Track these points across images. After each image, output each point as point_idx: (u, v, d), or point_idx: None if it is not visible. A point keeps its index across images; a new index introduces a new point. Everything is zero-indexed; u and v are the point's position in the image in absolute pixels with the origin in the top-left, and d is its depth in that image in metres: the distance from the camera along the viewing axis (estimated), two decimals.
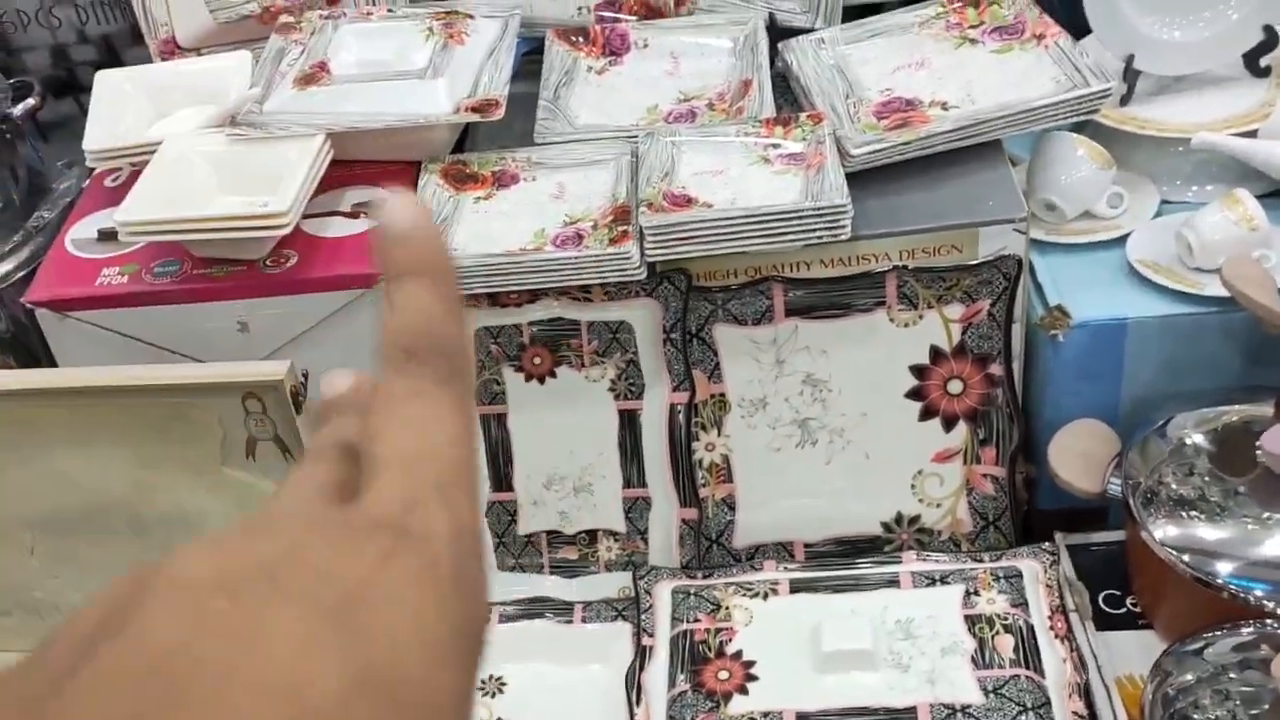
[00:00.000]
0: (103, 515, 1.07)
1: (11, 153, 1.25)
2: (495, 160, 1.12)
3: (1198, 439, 1.05)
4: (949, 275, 1.05)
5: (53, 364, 1.08)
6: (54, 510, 1.08)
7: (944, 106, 1.11)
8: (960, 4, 1.20)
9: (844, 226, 0.99)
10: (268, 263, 1.05)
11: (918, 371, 1.08)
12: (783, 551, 1.13)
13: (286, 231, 1.00)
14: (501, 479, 1.12)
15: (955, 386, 1.08)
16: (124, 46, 1.35)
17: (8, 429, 1.03)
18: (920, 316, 1.06)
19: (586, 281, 1.02)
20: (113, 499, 1.06)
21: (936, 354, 1.07)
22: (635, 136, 1.11)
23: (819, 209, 0.99)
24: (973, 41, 1.18)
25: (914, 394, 1.09)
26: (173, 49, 1.27)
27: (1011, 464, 1.09)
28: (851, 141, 1.07)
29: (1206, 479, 1.02)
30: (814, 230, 1.00)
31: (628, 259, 0.99)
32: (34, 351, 1.12)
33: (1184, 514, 1.00)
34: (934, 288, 1.05)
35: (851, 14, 1.25)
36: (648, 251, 1.01)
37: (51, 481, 1.06)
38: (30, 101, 1.26)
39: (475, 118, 1.09)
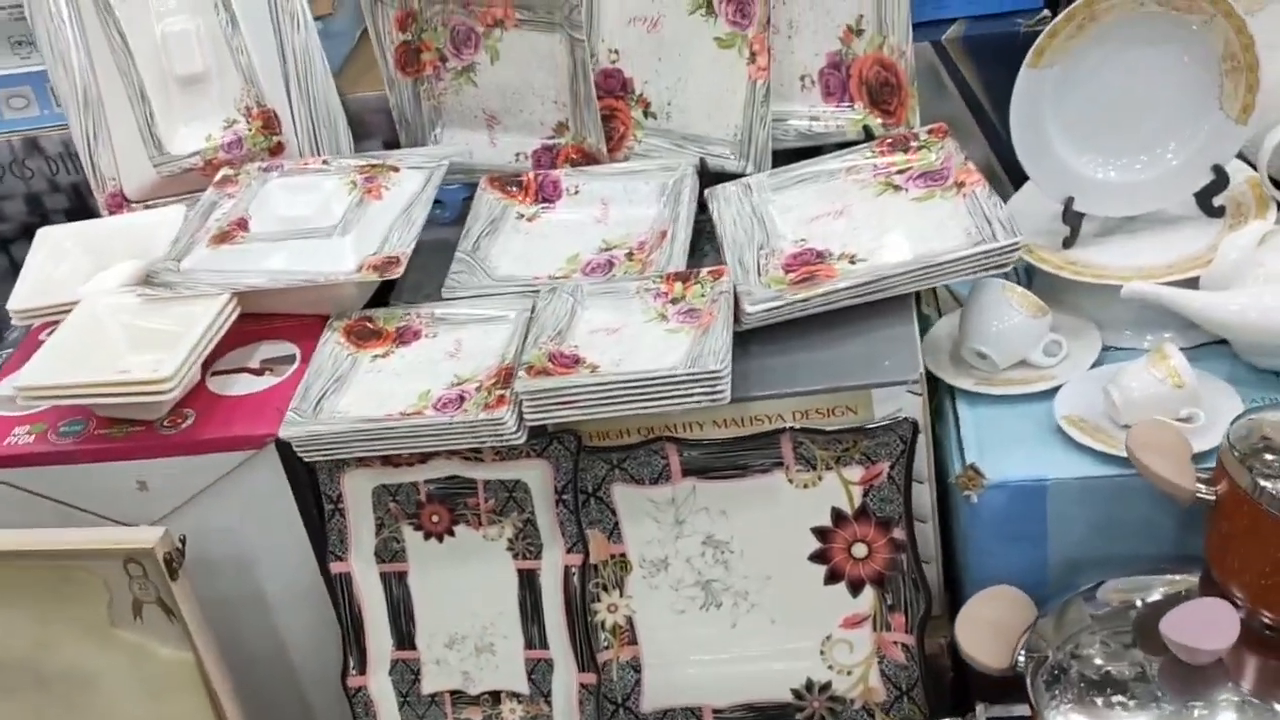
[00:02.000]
0: (6, 673, 1.08)
1: None
2: (400, 316, 1.12)
3: (1119, 609, 0.99)
4: (845, 437, 1.01)
5: None
6: None
7: (852, 259, 1.08)
8: (890, 148, 1.17)
9: (721, 392, 0.96)
10: (165, 423, 1.06)
11: (820, 534, 1.04)
12: (692, 717, 1.09)
13: (171, 399, 1.02)
14: (404, 637, 1.10)
15: (859, 550, 1.04)
16: (91, 195, 1.39)
17: None
18: (819, 478, 1.02)
19: (464, 446, 1.01)
20: (15, 656, 1.07)
21: (838, 516, 1.03)
22: (538, 290, 1.10)
23: (693, 375, 0.96)
24: (896, 188, 1.15)
25: (818, 557, 1.04)
26: (120, 202, 1.30)
27: (921, 631, 1.04)
28: (750, 298, 1.04)
29: (1120, 655, 0.95)
30: (691, 395, 0.97)
31: (502, 424, 0.98)
32: None
33: (1089, 696, 0.93)
34: (831, 449, 1.01)
35: (788, 157, 1.23)
36: (526, 416, 0.99)
37: None
38: None
39: (374, 277, 1.09)
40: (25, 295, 1.15)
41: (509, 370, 1.02)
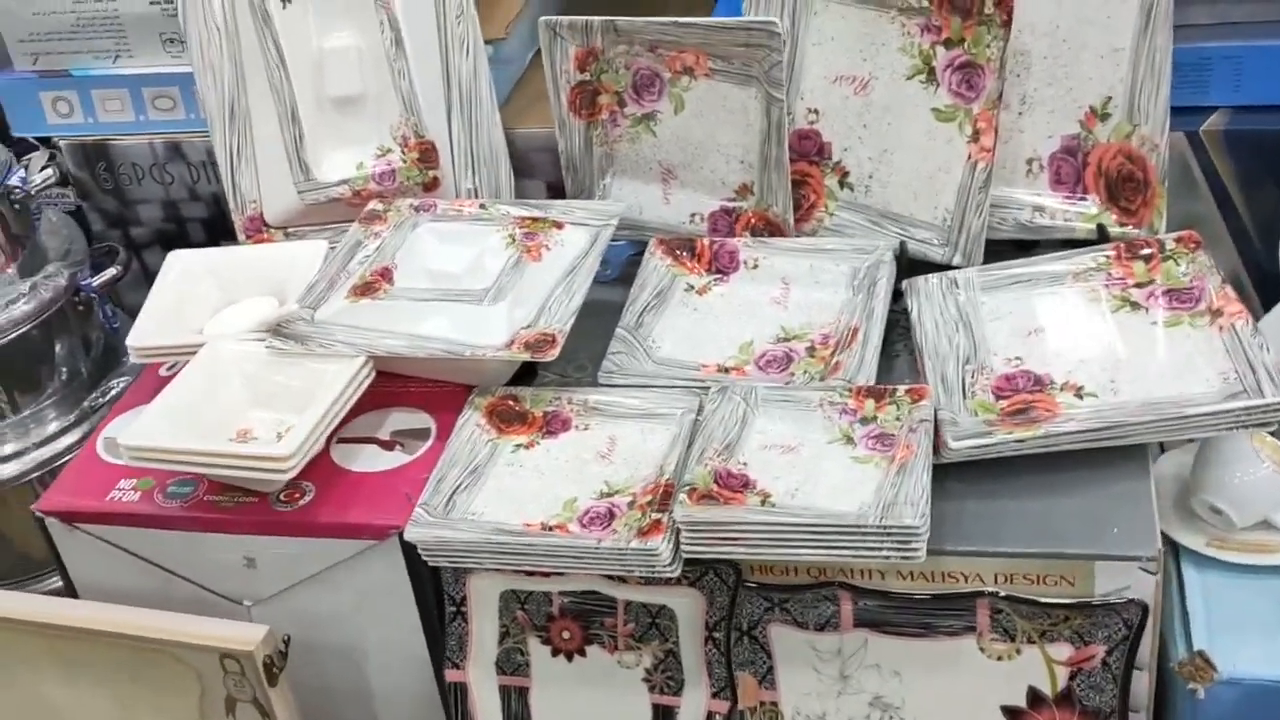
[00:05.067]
0: None
1: (85, 323, 1.21)
2: (550, 399, 0.99)
3: None
4: (1055, 611, 0.85)
5: (64, 567, 1.01)
6: None
7: (1079, 393, 0.92)
8: (1128, 256, 1.01)
9: (917, 551, 0.82)
10: (281, 497, 0.95)
11: (1011, 714, 0.89)
12: None
13: (287, 478, 0.91)
14: None
15: None
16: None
17: None
18: (1018, 651, 0.87)
19: (608, 573, 0.88)
20: None
21: (1036, 698, 0.88)
22: (708, 388, 0.96)
23: (886, 529, 0.82)
24: (1134, 305, 0.98)
25: None
26: (259, 226, 1.20)
27: None
28: (955, 430, 0.89)
29: None
30: (880, 550, 0.83)
31: (656, 556, 0.85)
32: None
33: None
34: (1036, 621, 0.86)
35: (1003, 251, 1.07)
36: (684, 548, 0.86)
37: (39, 709, 0.99)
38: (111, 272, 1.22)
39: (525, 357, 0.97)
40: (147, 331, 1.06)
41: (668, 488, 0.89)
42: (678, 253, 1.11)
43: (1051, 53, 1.05)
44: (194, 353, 1.02)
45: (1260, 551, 0.94)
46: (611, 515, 0.89)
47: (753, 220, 1.13)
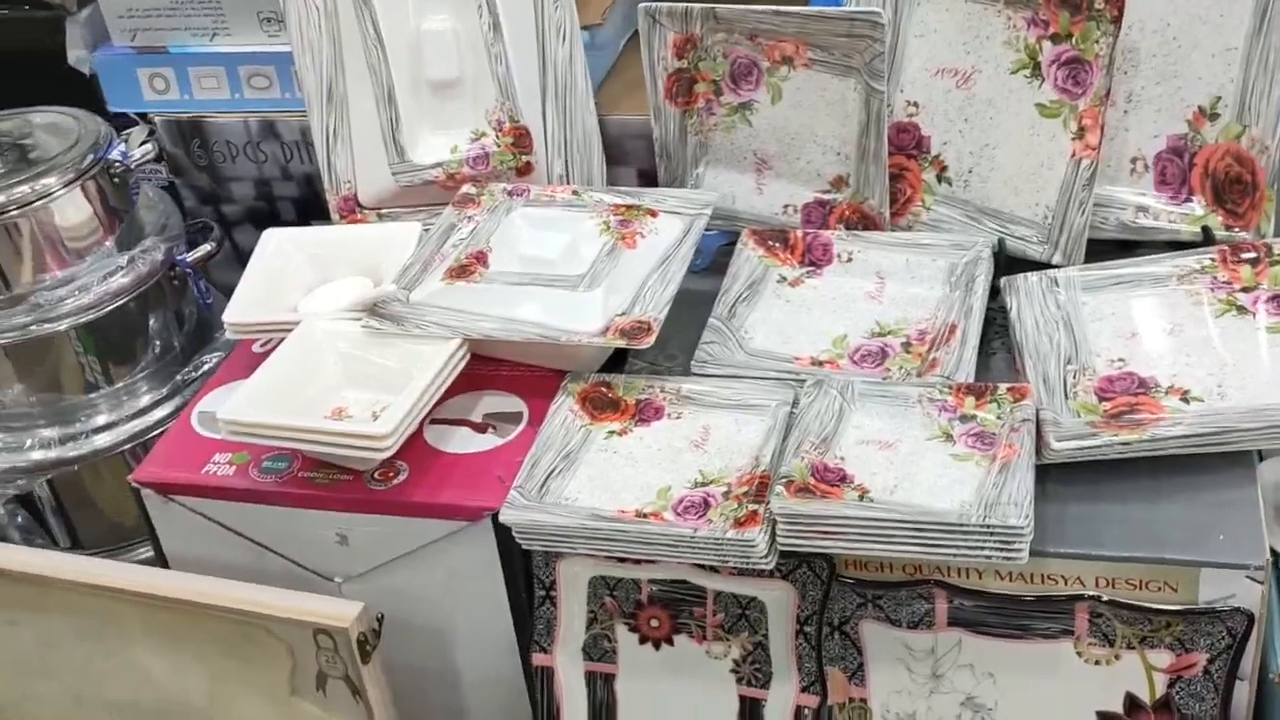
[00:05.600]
0: (179, 715, 1.01)
1: (179, 298, 1.22)
2: (643, 387, 0.99)
3: None
4: (1157, 617, 0.84)
5: (157, 538, 1.03)
6: (133, 700, 1.02)
7: (1185, 397, 0.90)
8: (1234, 260, 0.99)
9: (1020, 552, 0.81)
10: (375, 475, 0.96)
11: None
12: None
13: (384, 457, 0.91)
14: None
15: None
16: (324, 187, 1.31)
17: (91, 620, 0.98)
18: (1116, 656, 0.86)
19: (702, 562, 0.88)
20: (188, 704, 1.00)
21: (1133, 704, 0.87)
22: (803, 380, 0.96)
23: (989, 528, 0.81)
24: (1240, 309, 0.97)
25: None
26: (353, 207, 1.21)
27: None
28: (1056, 430, 0.88)
29: None
30: (981, 549, 0.82)
31: (752, 547, 0.84)
32: None
33: None
34: (1137, 627, 0.85)
35: (1102, 250, 1.05)
36: (780, 540, 0.85)
37: (132, 674, 1.00)
38: (206, 248, 1.23)
39: (621, 343, 0.96)
40: (243, 307, 1.06)
41: (763, 480, 0.88)
42: (770, 244, 1.10)
43: (1161, 50, 1.03)
44: (289, 330, 1.02)
45: None
46: (706, 504, 0.89)
47: (847, 213, 1.13)
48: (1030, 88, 1.04)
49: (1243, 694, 0.86)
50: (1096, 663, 0.87)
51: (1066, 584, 0.86)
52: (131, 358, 1.19)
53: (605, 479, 0.93)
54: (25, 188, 1.11)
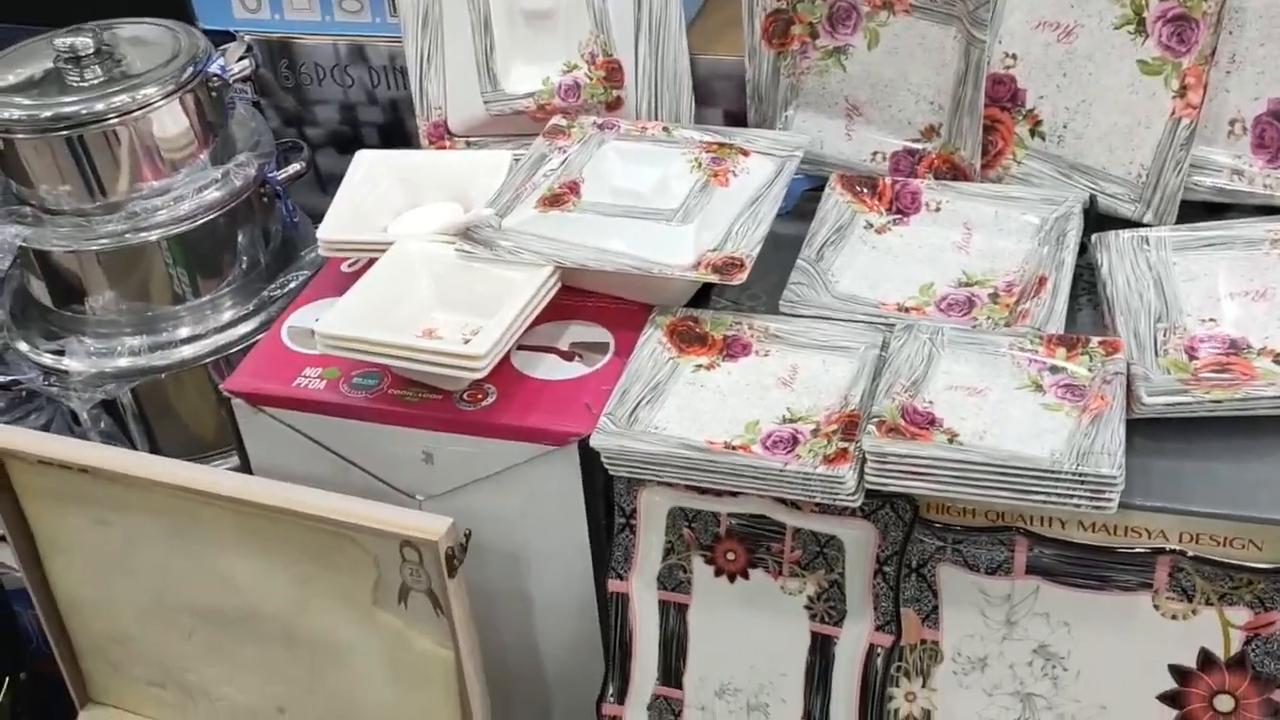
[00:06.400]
0: (259, 620, 1.03)
1: (267, 215, 1.24)
2: (730, 323, 1.00)
3: None
4: (1238, 574, 0.84)
5: (244, 447, 1.05)
6: (215, 604, 1.04)
7: (1277, 359, 0.90)
8: None
9: (1110, 500, 0.82)
10: (464, 396, 0.97)
11: (1179, 675, 0.88)
12: None
13: (479, 376, 0.92)
14: (671, 674, 1.00)
15: (1224, 703, 0.88)
16: (408, 114, 1.31)
17: (177, 521, 1.00)
18: (1194, 611, 0.87)
19: (789, 496, 0.89)
20: (270, 608, 1.02)
21: (1207, 660, 0.87)
22: (892, 325, 0.96)
23: (1081, 476, 0.81)
24: None
25: (1170, 699, 0.89)
26: (442, 133, 1.22)
27: None
28: (1147, 385, 0.88)
29: None
30: (1071, 498, 0.82)
31: (841, 483, 0.85)
32: None
33: None
34: (1217, 583, 0.85)
35: (1191, 213, 1.05)
36: (868, 479, 0.86)
37: (215, 579, 1.02)
38: (296, 167, 1.24)
39: (714, 278, 0.97)
40: (337, 226, 1.08)
41: (853, 419, 0.89)
42: (858, 189, 1.11)
43: (1268, 11, 1.02)
44: (381, 250, 1.04)
45: None
46: (795, 440, 0.90)
47: (936, 162, 1.13)
48: (1133, 44, 1.04)
49: None
50: (1174, 617, 0.87)
51: (1149, 537, 0.86)
52: (219, 272, 1.21)
53: (693, 410, 0.94)
54: (125, 96, 1.12)
